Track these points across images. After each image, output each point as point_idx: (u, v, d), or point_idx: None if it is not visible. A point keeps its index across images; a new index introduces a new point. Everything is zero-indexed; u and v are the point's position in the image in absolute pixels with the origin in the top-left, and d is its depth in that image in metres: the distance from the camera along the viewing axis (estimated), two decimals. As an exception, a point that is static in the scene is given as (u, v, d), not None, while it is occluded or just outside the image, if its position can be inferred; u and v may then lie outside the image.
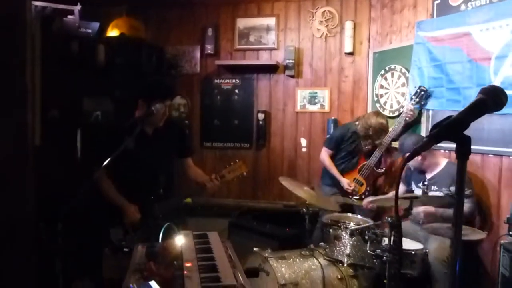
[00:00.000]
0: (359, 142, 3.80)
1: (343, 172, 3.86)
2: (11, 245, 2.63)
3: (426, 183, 3.16)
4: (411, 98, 3.62)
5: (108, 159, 2.39)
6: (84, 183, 2.30)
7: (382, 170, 3.90)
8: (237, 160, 2.82)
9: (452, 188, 2.88)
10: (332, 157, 3.92)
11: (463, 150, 0.95)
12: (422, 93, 3.55)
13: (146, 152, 2.73)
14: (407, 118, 3.60)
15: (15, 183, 2.68)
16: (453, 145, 3.05)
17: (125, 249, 2.53)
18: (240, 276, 1.58)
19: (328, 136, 4.11)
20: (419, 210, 3.04)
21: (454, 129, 0.94)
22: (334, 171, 3.83)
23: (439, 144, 3.04)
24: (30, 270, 2.69)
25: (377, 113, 3.84)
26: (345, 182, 3.79)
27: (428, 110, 3.62)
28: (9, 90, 2.69)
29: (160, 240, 1.92)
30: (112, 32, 4.38)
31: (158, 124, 2.77)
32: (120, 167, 2.64)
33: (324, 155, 3.93)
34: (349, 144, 3.84)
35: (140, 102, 2.72)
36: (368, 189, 3.83)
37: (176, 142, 2.93)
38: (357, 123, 3.85)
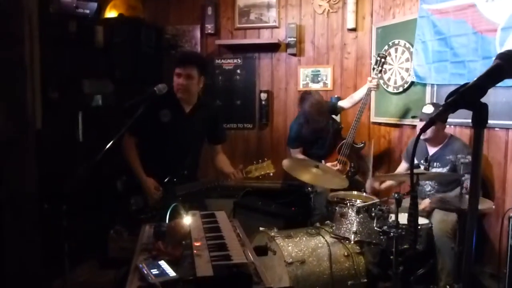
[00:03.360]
0: (312, 126, 3.74)
1: (324, 158, 3.80)
2: (15, 225, 2.64)
3: (428, 159, 3.14)
4: (373, 69, 3.70)
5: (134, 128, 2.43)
6: (86, 164, 2.29)
7: (362, 144, 3.85)
8: (265, 159, 2.81)
9: (460, 156, 2.85)
10: (307, 150, 3.86)
11: (480, 118, 0.92)
12: (383, 60, 3.65)
13: (179, 129, 2.73)
14: (373, 89, 3.68)
15: (16, 163, 2.68)
16: (459, 120, 2.99)
17: (142, 216, 2.57)
18: (250, 254, 1.58)
19: (288, 138, 4.02)
20: (425, 202, 3.03)
21: (471, 96, 0.91)
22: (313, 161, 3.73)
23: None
24: (34, 249, 2.71)
25: (309, 95, 3.85)
26: (328, 165, 3.69)
27: (432, 85, 3.57)
28: (8, 70, 2.66)
29: (167, 220, 1.91)
30: (111, 13, 4.31)
31: (191, 97, 2.74)
32: (151, 139, 2.66)
33: (295, 154, 3.87)
34: (310, 133, 3.77)
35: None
36: (352, 165, 3.78)
37: (211, 126, 2.92)
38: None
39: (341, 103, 3.96)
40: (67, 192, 2.34)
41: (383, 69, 3.73)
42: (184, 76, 2.66)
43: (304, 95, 3.86)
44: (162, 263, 1.46)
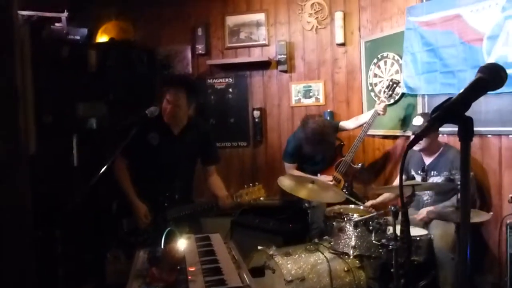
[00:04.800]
0: (312, 148, 3.71)
1: (320, 172, 3.79)
2: (9, 251, 2.60)
3: (425, 169, 3.14)
4: (384, 92, 3.68)
5: (126, 151, 2.42)
6: (81, 189, 2.28)
7: (359, 166, 3.85)
8: (256, 183, 2.76)
9: (453, 172, 2.86)
10: (303, 164, 3.86)
11: (466, 132, 0.92)
12: (395, 85, 3.64)
13: (168, 152, 2.70)
14: (380, 113, 3.62)
15: (10, 188, 2.65)
16: (451, 129, 3.02)
17: (133, 239, 2.55)
18: (245, 276, 1.56)
19: (284, 152, 4.00)
20: (423, 212, 3.02)
21: (455, 110, 0.91)
22: (308, 177, 3.68)
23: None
24: (28, 275, 2.66)
25: (310, 117, 3.80)
26: (322, 178, 3.68)
27: (423, 95, 3.60)
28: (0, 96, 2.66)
29: (162, 245, 1.89)
30: (102, 37, 4.36)
31: (179, 121, 2.73)
32: (141, 163, 2.64)
33: (289, 170, 3.85)
34: (308, 152, 3.74)
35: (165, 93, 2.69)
36: (346, 185, 3.77)
37: (202, 147, 2.88)
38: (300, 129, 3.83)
39: (344, 124, 3.93)
40: (62, 218, 2.32)
41: (392, 94, 3.69)
42: (172, 103, 2.65)
43: (307, 120, 3.78)
44: (157, 290, 1.44)
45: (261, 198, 2.72)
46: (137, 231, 2.64)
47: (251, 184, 2.72)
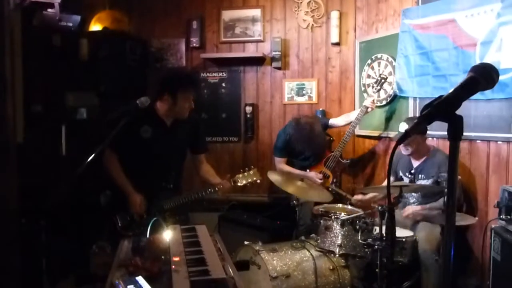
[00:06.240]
0: (302, 145, 3.75)
1: (309, 167, 3.82)
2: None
3: (413, 171, 3.16)
4: (373, 86, 3.76)
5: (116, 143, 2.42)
6: (67, 179, 2.25)
7: (348, 161, 3.88)
8: (252, 167, 2.83)
9: (442, 174, 2.88)
10: (292, 159, 3.89)
11: (456, 131, 0.92)
12: (383, 80, 3.73)
13: (162, 143, 2.71)
14: (369, 109, 3.69)
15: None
16: (441, 132, 3.03)
17: (130, 234, 2.53)
18: (229, 269, 1.55)
19: (274, 146, 4.03)
20: (409, 210, 3.04)
21: (445, 108, 0.91)
22: (297, 172, 3.75)
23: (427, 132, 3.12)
24: (13, 265, 2.63)
25: (301, 117, 3.83)
26: (312, 174, 3.73)
27: (415, 98, 3.62)
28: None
29: (147, 235, 1.88)
30: (95, 26, 4.30)
31: (183, 117, 2.75)
32: (133, 155, 2.63)
33: (279, 164, 3.87)
34: (298, 144, 3.76)
35: (166, 95, 2.69)
36: (334, 180, 3.80)
37: (192, 137, 2.91)
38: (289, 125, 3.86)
39: (334, 121, 3.95)
40: (48, 208, 2.30)
41: (381, 89, 3.77)
42: (191, 100, 2.73)
43: (298, 118, 3.80)
44: (139, 279, 1.42)
45: (257, 181, 2.81)
46: (133, 225, 2.62)
47: (246, 168, 2.80)
